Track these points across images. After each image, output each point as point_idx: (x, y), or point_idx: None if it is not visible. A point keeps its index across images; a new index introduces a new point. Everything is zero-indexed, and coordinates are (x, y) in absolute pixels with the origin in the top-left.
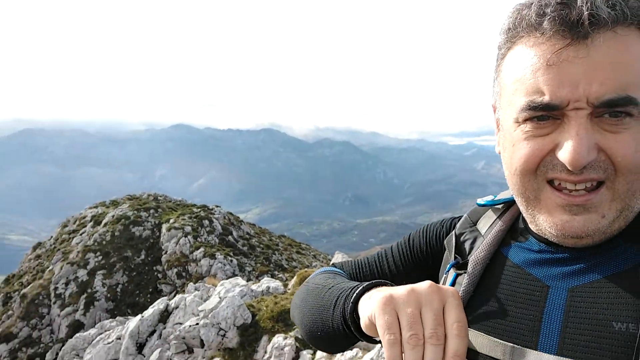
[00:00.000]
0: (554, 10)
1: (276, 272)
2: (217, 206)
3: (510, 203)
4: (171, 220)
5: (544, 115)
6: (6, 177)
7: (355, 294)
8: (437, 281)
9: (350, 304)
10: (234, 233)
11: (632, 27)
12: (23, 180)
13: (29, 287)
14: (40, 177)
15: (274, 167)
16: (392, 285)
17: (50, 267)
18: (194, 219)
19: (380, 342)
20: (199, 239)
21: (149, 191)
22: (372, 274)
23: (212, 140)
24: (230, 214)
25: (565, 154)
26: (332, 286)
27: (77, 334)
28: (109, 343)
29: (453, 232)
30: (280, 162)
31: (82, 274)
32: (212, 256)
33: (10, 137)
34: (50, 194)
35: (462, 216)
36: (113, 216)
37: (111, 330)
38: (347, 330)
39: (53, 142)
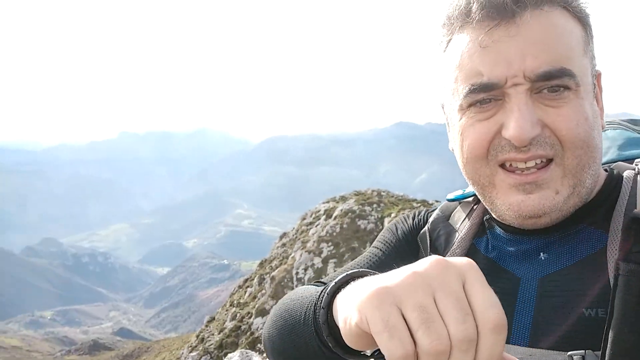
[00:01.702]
0: None
1: None
2: (437, 201)
3: None
4: (392, 215)
5: (486, 98)
6: (259, 177)
7: (326, 295)
8: None
9: (322, 310)
10: None
11: (557, 6)
12: (271, 179)
13: (276, 270)
14: (284, 176)
15: None
16: (375, 274)
17: (292, 254)
18: None
19: (377, 357)
20: None
21: (373, 187)
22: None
23: (434, 135)
24: None
25: (509, 130)
26: (302, 296)
27: None
28: None
29: (426, 227)
30: None
31: (317, 261)
32: None
33: (260, 145)
34: (293, 190)
35: (434, 210)
36: (341, 210)
37: None
38: (325, 348)
39: (292, 146)
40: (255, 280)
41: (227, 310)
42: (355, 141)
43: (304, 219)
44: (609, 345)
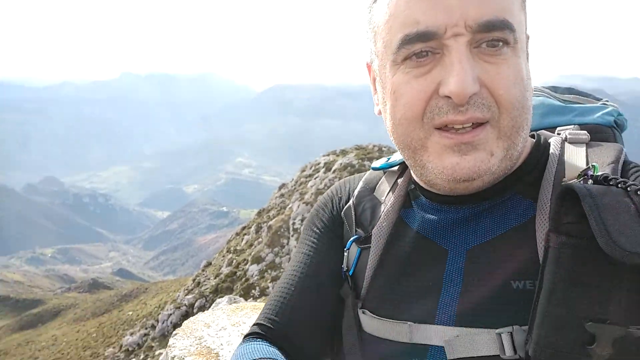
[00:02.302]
0: None
1: None
2: None
3: (406, 164)
4: None
5: (423, 50)
6: (263, 127)
7: None
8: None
9: None
10: None
11: None
12: (274, 129)
13: (273, 220)
14: (287, 127)
15: None
16: None
17: (290, 205)
18: None
19: None
20: None
21: (375, 142)
22: (307, 306)
23: None
24: None
25: (449, 85)
26: None
27: None
28: None
29: (351, 201)
30: None
31: None
32: None
33: (264, 93)
34: (295, 141)
35: (359, 182)
36: (341, 164)
37: None
38: None
39: (297, 96)
40: (253, 228)
41: (223, 256)
42: (361, 94)
43: (304, 170)
44: (536, 320)
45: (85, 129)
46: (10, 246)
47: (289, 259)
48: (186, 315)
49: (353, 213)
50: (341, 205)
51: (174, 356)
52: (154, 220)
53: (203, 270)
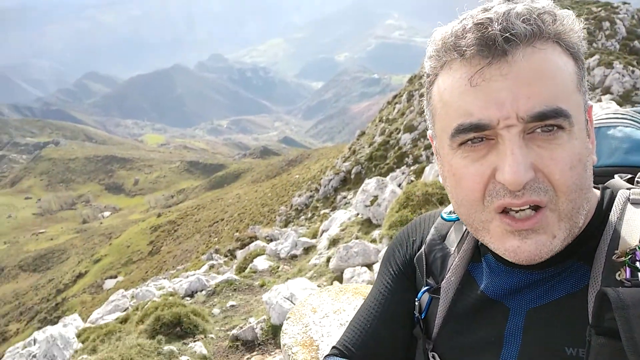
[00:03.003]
0: (472, 32)
1: None
2: (624, 3)
3: None
4: None
5: (477, 137)
6: None
7: None
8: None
9: None
10: None
11: (549, 42)
12: None
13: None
14: None
15: None
16: None
17: None
18: (591, 21)
19: None
20: (594, 45)
21: None
22: (385, 339)
23: None
24: None
25: (504, 174)
26: None
27: None
28: None
29: (422, 250)
30: None
31: None
32: (609, 65)
33: None
34: None
35: (431, 229)
36: None
37: None
38: None
39: None
40: (404, 96)
41: (376, 126)
42: None
43: None
44: None
45: (240, 4)
46: (192, 119)
47: None
48: (344, 181)
49: (424, 262)
50: (414, 249)
51: (285, 344)
52: (309, 90)
53: (358, 139)
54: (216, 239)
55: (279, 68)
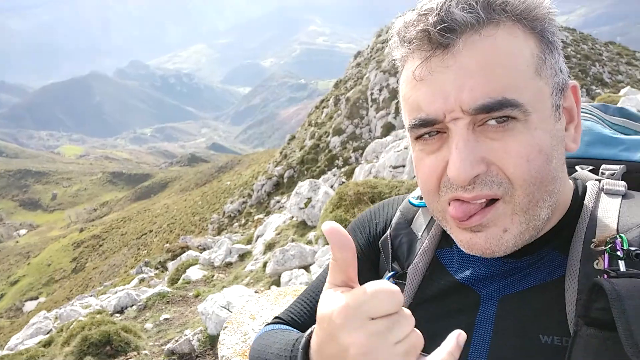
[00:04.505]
0: (414, 24)
1: (593, 87)
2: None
3: None
4: None
5: (430, 131)
6: None
7: (299, 354)
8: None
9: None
10: None
11: (503, 24)
12: None
13: (351, 91)
14: None
15: None
16: None
17: (367, 75)
18: None
19: None
20: None
21: None
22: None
23: None
24: None
25: (449, 171)
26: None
27: (377, 140)
28: (398, 151)
29: (388, 232)
30: None
31: (393, 81)
32: None
33: None
34: (369, 2)
35: (395, 211)
36: None
37: (402, 140)
38: None
39: None
40: (331, 100)
41: (306, 130)
42: None
43: (379, 35)
44: None
45: (160, 9)
46: (115, 128)
47: (369, 129)
48: (277, 185)
49: (390, 245)
50: (378, 231)
51: (222, 356)
52: (237, 96)
53: (288, 143)
54: (145, 251)
55: (203, 74)
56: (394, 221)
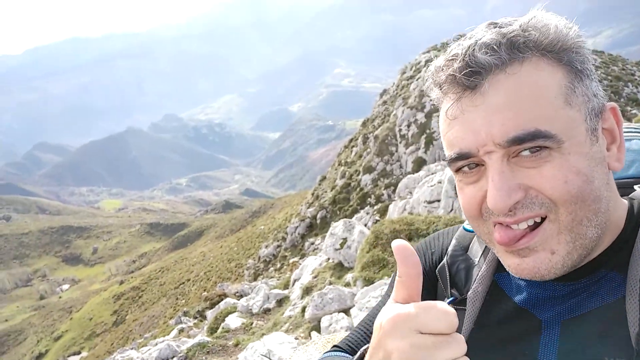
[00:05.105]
0: (443, 69)
1: (628, 108)
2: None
3: None
4: None
5: (469, 164)
6: (354, 32)
7: None
8: None
9: None
10: None
11: (529, 60)
12: (367, 32)
13: (379, 129)
14: (381, 26)
15: None
16: None
17: (394, 112)
18: None
19: None
20: None
21: None
22: None
23: None
24: None
25: (488, 201)
26: None
27: (409, 175)
28: (431, 185)
29: (444, 260)
30: None
31: (420, 116)
32: None
33: None
34: (391, 41)
35: (451, 240)
36: None
37: (435, 174)
38: None
39: None
40: (360, 139)
41: (336, 169)
42: None
43: (404, 72)
44: None
45: (190, 64)
46: (151, 181)
47: (400, 165)
48: (311, 227)
49: (447, 272)
50: (434, 260)
51: None
52: (267, 141)
53: (320, 184)
54: (183, 300)
55: (234, 123)
56: (450, 249)
